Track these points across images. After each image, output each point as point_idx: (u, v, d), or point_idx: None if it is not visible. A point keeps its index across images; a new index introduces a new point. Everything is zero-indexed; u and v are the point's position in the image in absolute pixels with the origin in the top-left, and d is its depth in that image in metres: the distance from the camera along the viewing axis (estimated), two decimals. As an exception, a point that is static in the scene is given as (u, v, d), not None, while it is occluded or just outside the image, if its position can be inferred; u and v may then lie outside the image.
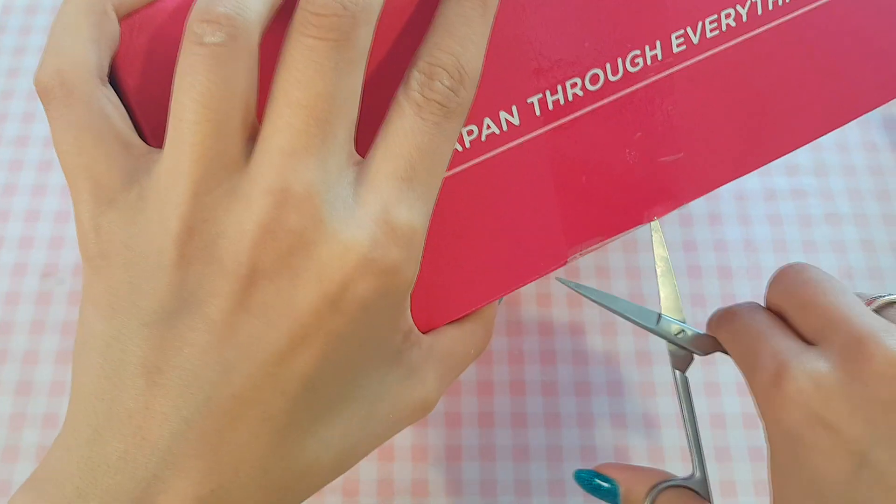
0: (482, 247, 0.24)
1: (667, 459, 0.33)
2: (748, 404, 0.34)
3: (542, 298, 0.36)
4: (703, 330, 0.26)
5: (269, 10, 0.17)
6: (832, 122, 0.26)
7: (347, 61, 0.17)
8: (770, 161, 0.26)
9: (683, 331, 0.26)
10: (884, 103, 0.27)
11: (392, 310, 0.19)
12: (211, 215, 0.17)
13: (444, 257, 0.23)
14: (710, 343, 0.26)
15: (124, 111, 0.18)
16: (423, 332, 0.22)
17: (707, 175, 0.25)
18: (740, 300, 0.36)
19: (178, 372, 0.17)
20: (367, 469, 0.33)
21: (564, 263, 0.25)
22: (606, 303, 0.27)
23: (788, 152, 0.26)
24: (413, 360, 0.21)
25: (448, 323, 0.24)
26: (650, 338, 0.35)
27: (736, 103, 0.25)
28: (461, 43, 0.19)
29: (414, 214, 0.18)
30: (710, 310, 0.36)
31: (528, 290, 0.37)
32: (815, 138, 0.26)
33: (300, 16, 0.17)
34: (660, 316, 0.26)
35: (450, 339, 0.23)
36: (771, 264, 0.37)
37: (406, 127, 0.18)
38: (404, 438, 0.33)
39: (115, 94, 0.18)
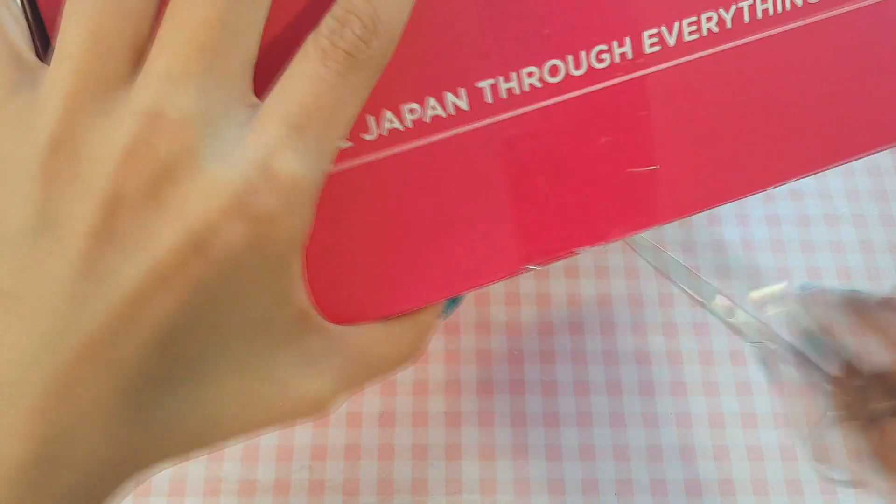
0: (419, 241, 0.22)
1: (666, 459, 0.33)
2: (747, 404, 0.34)
3: (542, 298, 0.36)
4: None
5: None
6: (839, 154, 0.24)
7: None
8: (763, 189, 0.23)
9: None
10: None
11: (272, 272, 0.17)
12: (80, 133, 0.16)
13: (373, 246, 0.21)
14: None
15: (25, 25, 0.18)
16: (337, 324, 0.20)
17: (687, 195, 0.23)
18: (739, 300, 0.36)
19: (31, 301, 0.16)
20: (367, 468, 0.33)
21: (517, 272, 0.22)
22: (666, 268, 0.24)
23: (786, 181, 0.23)
24: (312, 347, 0.20)
25: (374, 321, 0.22)
26: (649, 337, 0.36)
27: (724, 118, 0.23)
28: None
29: (300, 166, 0.17)
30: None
31: (528, 291, 0.37)
32: (817, 171, 0.23)
33: None
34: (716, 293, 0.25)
35: (368, 338, 0.21)
36: (770, 264, 0.37)
37: (306, 72, 0.17)
38: (404, 437, 0.33)
39: (20, 7, 0.18)
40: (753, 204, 0.39)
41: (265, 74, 0.18)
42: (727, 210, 0.39)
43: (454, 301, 0.24)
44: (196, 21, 0.16)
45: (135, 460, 0.18)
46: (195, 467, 0.33)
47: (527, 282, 0.37)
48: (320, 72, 0.17)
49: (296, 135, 0.17)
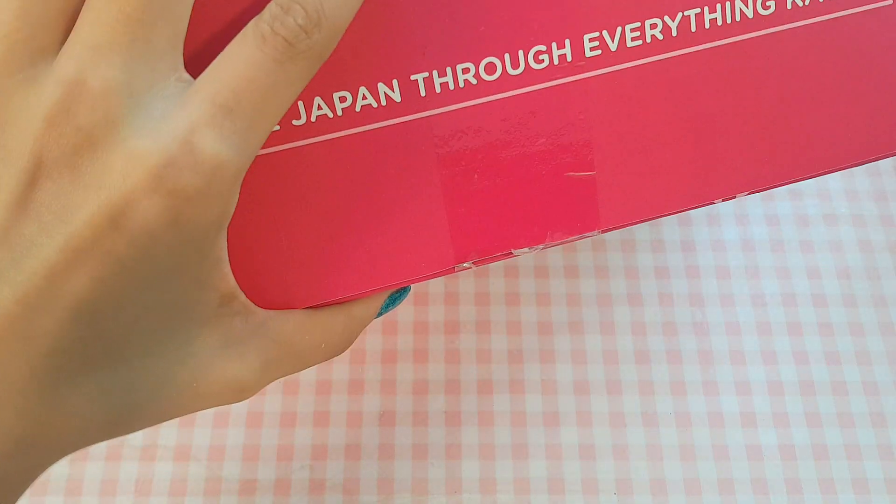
0: (348, 231, 0.21)
1: (665, 458, 0.33)
2: (747, 404, 0.34)
3: (542, 298, 0.37)
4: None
5: None
6: (784, 173, 0.23)
7: None
8: (708, 202, 0.23)
9: None
10: (858, 163, 0.23)
11: (192, 252, 0.17)
12: (5, 100, 0.16)
13: (301, 233, 0.21)
14: None
15: None
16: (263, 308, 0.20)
17: (628, 203, 0.23)
18: (739, 300, 0.37)
19: None
20: (367, 467, 0.33)
21: (452, 269, 0.22)
22: None
23: (731, 196, 0.23)
24: (235, 330, 0.19)
25: (302, 310, 0.21)
26: (649, 336, 0.36)
27: (666, 127, 0.22)
28: None
29: (224, 147, 0.16)
30: (709, 310, 0.36)
31: (528, 290, 0.37)
32: (763, 188, 0.23)
33: None
34: None
35: (295, 324, 0.21)
36: (769, 264, 0.37)
37: (242, 55, 0.17)
38: (404, 437, 0.33)
39: None
40: (753, 203, 0.39)
41: (206, 56, 0.18)
42: (726, 209, 0.39)
43: (394, 299, 0.24)
44: None
45: (52, 442, 0.18)
46: (196, 467, 0.33)
47: (526, 281, 0.37)
48: (256, 56, 0.17)
49: (222, 115, 0.16)
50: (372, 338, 0.36)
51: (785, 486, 0.33)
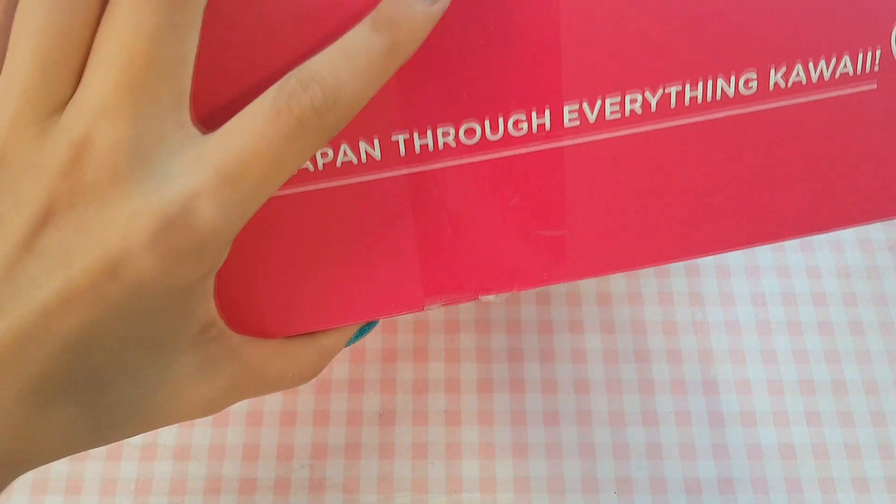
0: (323, 272, 0.22)
1: (665, 458, 0.33)
2: (746, 403, 0.34)
3: (542, 297, 0.37)
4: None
5: None
6: (745, 240, 0.24)
7: (173, 24, 0.17)
8: (670, 262, 0.24)
9: None
10: (820, 233, 0.24)
11: (180, 296, 0.18)
12: (22, 150, 0.17)
13: (280, 270, 0.21)
14: None
15: None
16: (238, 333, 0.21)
17: (594, 260, 0.23)
18: (738, 299, 0.37)
19: None
20: (367, 467, 0.33)
21: (421, 309, 0.24)
22: None
23: (701, 256, 0.24)
24: (210, 353, 0.21)
25: (275, 339, 0.23)
26: (649, 335, 0.36)
27: (637, 195, 0.23)
28: (352, 73, 0.18)
29: (220, 216, 0.17)
30: (709, 309, 0.36)
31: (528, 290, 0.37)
32: (721, 252, 0.24)
33: None
34: None
35: (267, 352, 0.22)
36: (769, 263, 0.37)
37: (255, 126, 0.17)
38: (404, 436, 0.33)
39: None
40: (753, 202, 0.39)
41: (219, 106, 0.19)
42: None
43: (363, 331, 0.26)
44: (124, 54, 0.17)
45: (34, 455, 0.19)
46: (196, 466, 0.33)
47: (527, 280, 0.37)
48: (268, 131, 0.17)
49: (225, 185, 0.17)
50: (372, 337, 0.36)
51: (785, 486, 0.33)
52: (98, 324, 0.17)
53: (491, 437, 0.34)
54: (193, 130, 0.18)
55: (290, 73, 0.18)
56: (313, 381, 0.34)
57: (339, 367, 0.35)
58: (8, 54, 0.17)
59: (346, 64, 0.18)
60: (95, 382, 0.19)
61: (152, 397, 0.20)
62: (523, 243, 0.23)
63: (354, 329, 0.25)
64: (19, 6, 0.17)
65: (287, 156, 0.17)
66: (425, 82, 0.20)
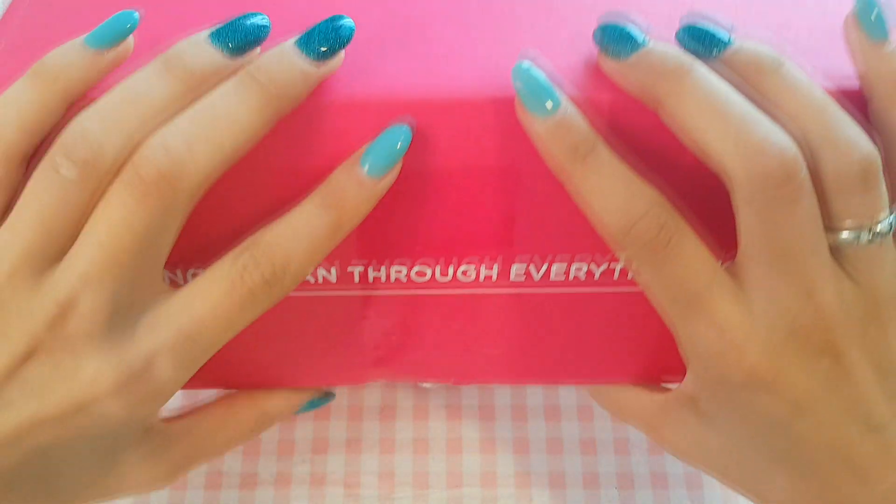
0: (278, 357, 0.27)
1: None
2: (747, 397, 0.34)
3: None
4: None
5: (125, 156, 0.19)
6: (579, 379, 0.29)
7: (162, 225, 0.19)
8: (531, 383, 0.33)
9: None
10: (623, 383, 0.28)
11: (139, 422, 0.22)
12: (14, 296, 0.19)
13: (237, 348, 0.23)
14: None
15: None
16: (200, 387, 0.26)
17: (499, 371, 0.29)
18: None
19: None
20: (367, 462, 0.33)
21: (363, 385, 0.31)
22: None
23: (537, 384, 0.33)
24: (153, 445, 0.24)
25: (221, 404, 0.27)
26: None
27: (512, 339, 0.27)
28: (299, 247, 0.20)
29: (178, 369, 0.20)
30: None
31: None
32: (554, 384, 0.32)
33: (130, 165, 0.19)
34: None
35: (209, 424, 0.26)
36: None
37: (212, 293, 0.20)
38: (405, 431, 0.33)
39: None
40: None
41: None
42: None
43: (315, 404, 0.30)
44: (112, 243, 0.19)
45: None
46: (196, 461, 0.33)
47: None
48: (224, 300, 0.20)
49: (184, 343, 0.20)
50: (372, 332, 0.36)
51: (786, 480, 0.33)
52: (61, 440, 0.20)
53: (492, 432, 0.34)
54: (163, 286, 0.21)
55: (245, 244, 0.21)
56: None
57: (340, 362, 0.35)
58: (14, 212, 0.20)
59: (295, 239, 0.20)
60: (51, 481, 0.22)
61: (99, 485, 0.23)
62: (459, 353, 0.27)
63: (301, 402, 0.29)
64: (32, 178, 0.20)
65: (238, 319, 0.21)
66: (384, 224, 0.23)
